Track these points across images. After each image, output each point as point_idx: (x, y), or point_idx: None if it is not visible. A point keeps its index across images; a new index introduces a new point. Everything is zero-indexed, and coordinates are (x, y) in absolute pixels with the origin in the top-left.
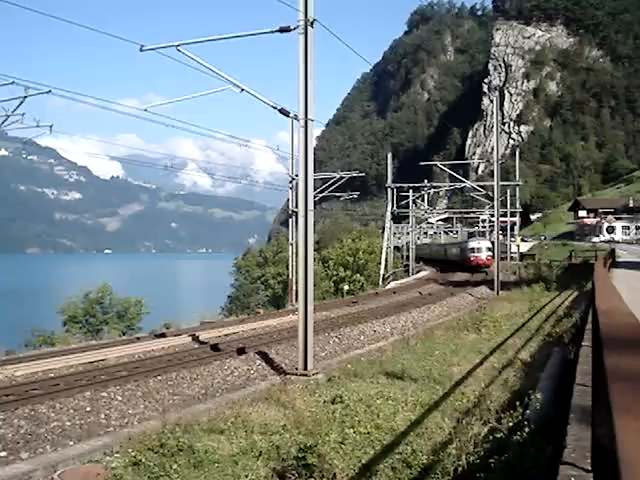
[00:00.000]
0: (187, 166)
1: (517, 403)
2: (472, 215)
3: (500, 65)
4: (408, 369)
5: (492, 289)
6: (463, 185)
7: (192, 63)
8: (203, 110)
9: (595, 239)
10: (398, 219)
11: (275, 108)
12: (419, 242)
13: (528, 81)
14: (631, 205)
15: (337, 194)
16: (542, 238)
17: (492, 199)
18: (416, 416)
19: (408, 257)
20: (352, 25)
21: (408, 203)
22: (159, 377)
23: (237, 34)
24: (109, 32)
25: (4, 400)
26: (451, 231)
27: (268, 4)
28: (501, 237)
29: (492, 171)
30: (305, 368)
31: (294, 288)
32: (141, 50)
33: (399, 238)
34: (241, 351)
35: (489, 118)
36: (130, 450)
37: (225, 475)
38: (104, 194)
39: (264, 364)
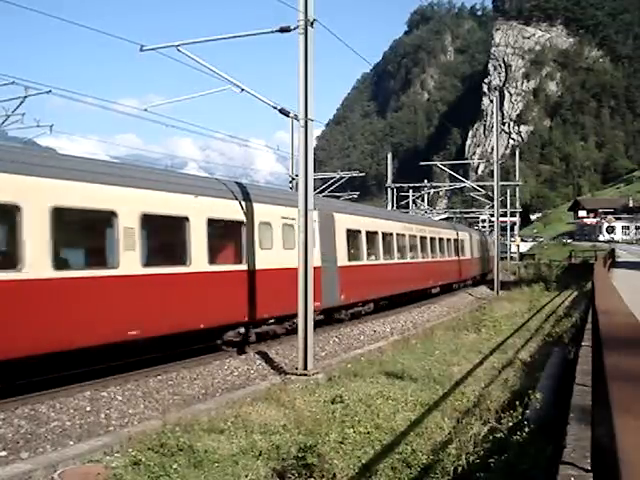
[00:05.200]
0: (187, 166)
1: (517, 403)
2: (472, 215)
3: (500, 65)
4: (408, 369)
5: (492, 289)
6: (463, 185)
7: (192, 63)
8: (202, 110)
9: (606, 236)
10: None
11: (275, 108)
12: None
13: (528, 81)
14: (631, 205)
15: (337, 194)
16: (540, 240)
17: (492, 199)
18: (416, 416)
19: None
20: (352, 25)
21: (408, 203)
22: (159, 377)
23: (237, 34)
24: (109, 32)
25: (4, 400)
26: None
27: (268, 4)
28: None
29: (492, 171)
30: (305, 368)
31: None
32: (141, 50)
33: None
34: (241, 351)
35: (489, 118)
36: (130, 450)
37: (225, 475)
38: None
39: (264, 364)
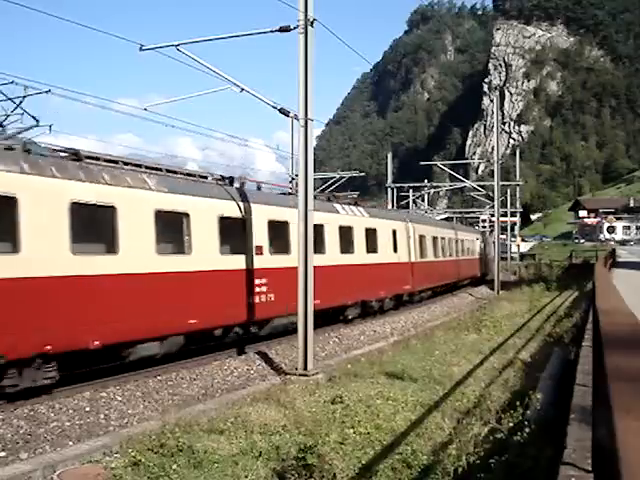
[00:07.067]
0: (186, 165)
1: (517, 403)
2: (472, 215)
3: (500, 65)
4: (408, 369)
5: (492, 289)
6: (463, 185)
7: (192, 63)
8: (202, 110)
9: (607, 236)
10: None
11: (275, 108)
12: None
13: (528, 81)
14: (632, 205)
15: (337, 194)
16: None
17: (492, 199)
18: (416, 416)
19: None
20: (352, 25)
21: (408, 203)
22: (158, 377)
23: (237, 34)
24: (109, 31)
25: (3, 400)
26: None
27: (268, 4)
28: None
29: (492, 171)
30: (305, 368)
31: None
32: (141, 50)
33: None
34: (241, 351)
35: (489, 118)
36: (130, 450)
37: (225, 475)
38: None
39: (264, 364)
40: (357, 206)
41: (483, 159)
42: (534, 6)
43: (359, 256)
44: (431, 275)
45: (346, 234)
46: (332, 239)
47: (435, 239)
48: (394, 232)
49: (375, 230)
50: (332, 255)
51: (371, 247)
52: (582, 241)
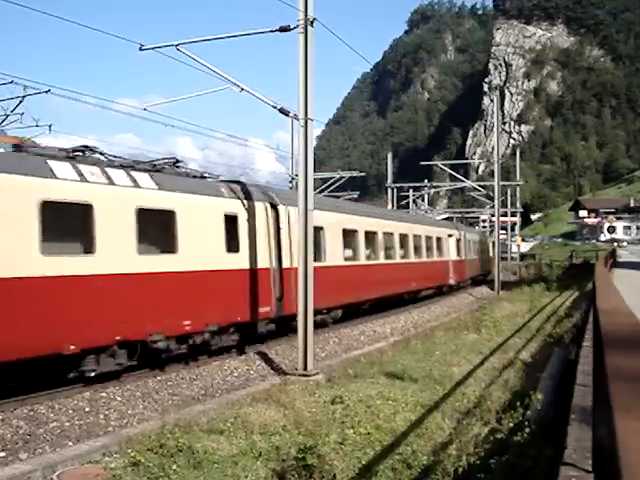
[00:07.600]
0: (187, 165)
1: (517, 403)
2: (472, 215)
3: (501, 64)
4: (408, 369)
5: (492, 289)
6: (463, 185)
7: (192, 62)
8: (202, 110)
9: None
10: None
11: (275, 108)
12: None
13: (529, 80)
14: (632, 205)
15: (337, 194)
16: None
17: (492, 199)
18: (416, 417)
19: None
20: (352, 25)
21: (408, 203)
22: (158, 377)
23: (237, 33)
24: (108, 31)
25: (3, 400)
26: None
27: (268, 4)
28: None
29: (492, 171)
30: (305, 368)
31: None
32: (141, 49)
33: None
34: (241, 351)
35: (489, 118)
36: (129, 451)
37: (225, 475)
38: None
39: (264, 364)
40: (141, 172)
41: (483, 159)
42: (534, 6)
43: (113, 260)
44: (334, 288)
45: (75, 219)
46: (21, 226)
47: (351, 234)
48: (230, 219)
49: (170, 213)
50: (21, 257)
51: (153, 243)
52: (593, 241)
